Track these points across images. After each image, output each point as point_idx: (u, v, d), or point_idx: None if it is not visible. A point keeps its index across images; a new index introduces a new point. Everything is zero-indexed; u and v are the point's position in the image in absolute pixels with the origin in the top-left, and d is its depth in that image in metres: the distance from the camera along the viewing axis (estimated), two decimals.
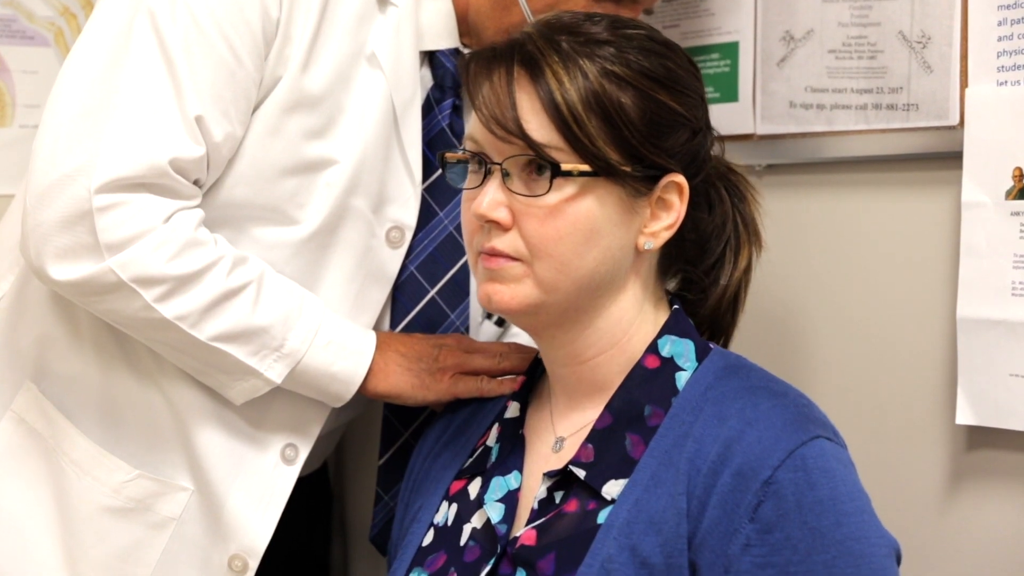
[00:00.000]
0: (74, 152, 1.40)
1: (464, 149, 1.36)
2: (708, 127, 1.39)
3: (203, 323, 1.44)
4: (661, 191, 1.32)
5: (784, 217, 1.80)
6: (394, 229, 1.59)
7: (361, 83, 1.54)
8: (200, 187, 1.46)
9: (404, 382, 1.53)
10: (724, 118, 1.82)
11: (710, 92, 1.85)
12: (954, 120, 1.61)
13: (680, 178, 1.32)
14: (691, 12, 1.88)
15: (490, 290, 1.31)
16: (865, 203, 1.73)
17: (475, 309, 1.66)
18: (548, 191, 1.27)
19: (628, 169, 1.28)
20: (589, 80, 1.27)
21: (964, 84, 1.60)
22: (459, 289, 1.63)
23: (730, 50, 1.84)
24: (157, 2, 1.42)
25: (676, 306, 1.38)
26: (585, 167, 1.27)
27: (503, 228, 1.29)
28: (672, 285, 1.46)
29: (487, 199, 1.29)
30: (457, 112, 1.65)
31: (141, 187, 1.40)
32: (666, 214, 1.33)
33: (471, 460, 1.46)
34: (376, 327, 1.60)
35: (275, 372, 1.49)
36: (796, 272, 1.79)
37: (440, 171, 1.56)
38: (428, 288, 1.62)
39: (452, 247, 1.63)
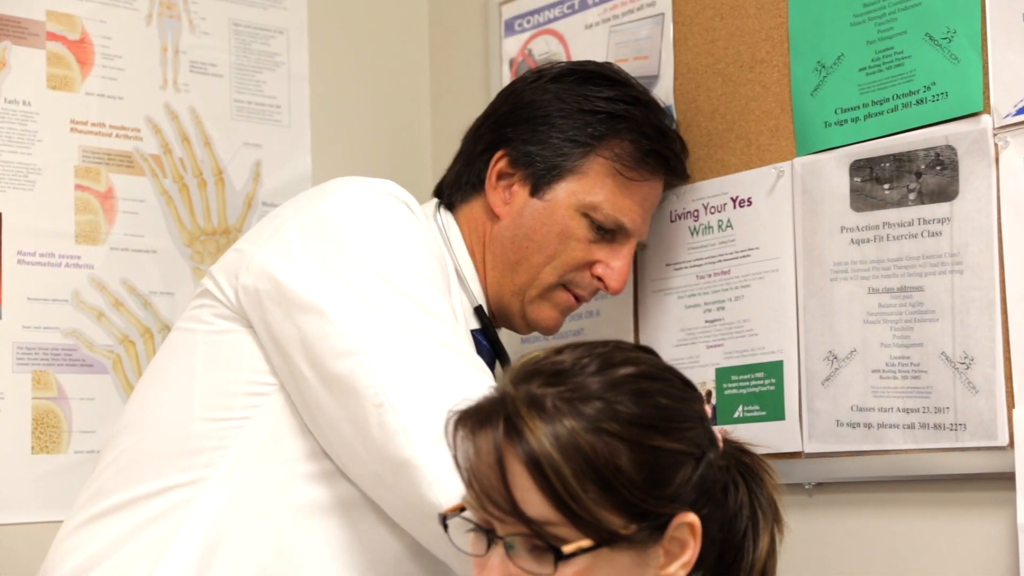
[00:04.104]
0: (445, 401, 1.39)
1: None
2: (711, 441, 1.31)
3: None
4: (673, 531, 1.24)
5: (835, 537, 1.78)
6: None
7: (470, 339, 1.67)
8: None
9: None
10: (771, 436, 1.83)
11: (755, 410, 1.87)
12: (1003, 441, 1.61)
13: (690, 517, 1.24)
14: (735, 332, 1.91)
15: None
16: (918, 524, 1.71)
17: None
18: (554, 570, 1.20)
19: (633, 529, 1.21)
20: (579, 444, 1.19)
21: (1011, 404, 1.61)
22: None
23: (774, 369, 1.86)
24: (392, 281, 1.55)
25: None
26: (587, 542, 1.20)
27: None
28: None
29: (495, 575, 1.23)
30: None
31: None
32: (681, 551, 1.25)
33: None
34: None
35: None
36: None
37: None
38: None
39: None
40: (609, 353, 1.27)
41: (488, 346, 1.79)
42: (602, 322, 2.10)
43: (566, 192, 1.76)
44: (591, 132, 1.77)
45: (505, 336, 2.26)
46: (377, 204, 1.61)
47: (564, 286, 1.80)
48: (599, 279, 1.79)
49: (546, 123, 1.78)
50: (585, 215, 1.76)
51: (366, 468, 1.53)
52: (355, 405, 1.50)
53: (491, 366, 1.78)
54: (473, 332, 1.75)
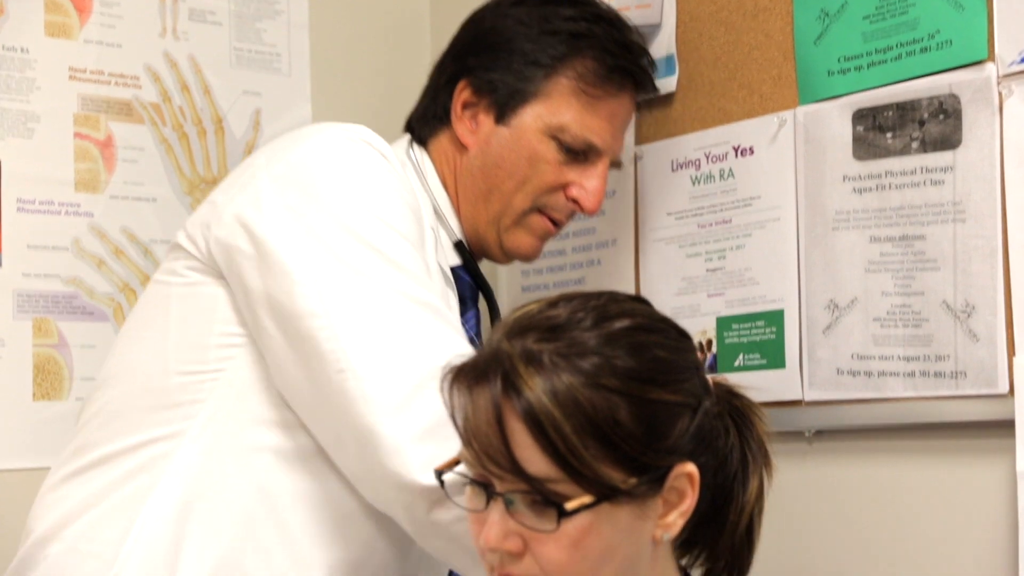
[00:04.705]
0: (410, 366, 1.44)
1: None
2: (706, 390, 1.31)
3: None
4: (672, 482, 1.25)
5: (834, 484, 1.79)
6: None
7: (447, 295, 1.65)
8: None
9: None
10: (771, 384, 1.83)
11: (756, 359, 1.88)
12: (1003, 389, 1.62)
13: (689, 467, 1.24)
14: (735, 281, 1.91)
15: None
16: (918, 471, 1.72)
17: None
18: (557, 527, 1.20)
19: (634, 483, 1.21)
20: (578, 399, 1.19)
21: (1012, 352, 1.61)
22: None
23: (775, 318, 1.86)
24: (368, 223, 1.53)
25: None
26: (589, 498, 1.20)
27: (516, 554, 1.24)
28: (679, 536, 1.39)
29: (495, 531, 1.23)
30: (478, 323, 1.76)
31: None
32: (679, 501, 1.26)
33: None
34: None
35: None
36: (845, 542, 1.77)
37: None
38: None
39: None
40: (604, 306, 1.27)
41: (470, 280, 1.78)
42: (602, 271, 2.10)
43: (532, 116, 1.74)
44: (552, 53, 1.74)
45: (504, 287, 2.26)
46: (350, 152, 1.59)
47: (539, 211, 1.77)
48: (574, 201, 1.77)
49: (507, 48, 1.75)
50: (553, 137, 1.74)
51: (328, 430, 1.52)
52: (318, 368, 1.48)
53: (473, 300, 1.77)
54: (454, 269, 1.74)
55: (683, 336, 1.32)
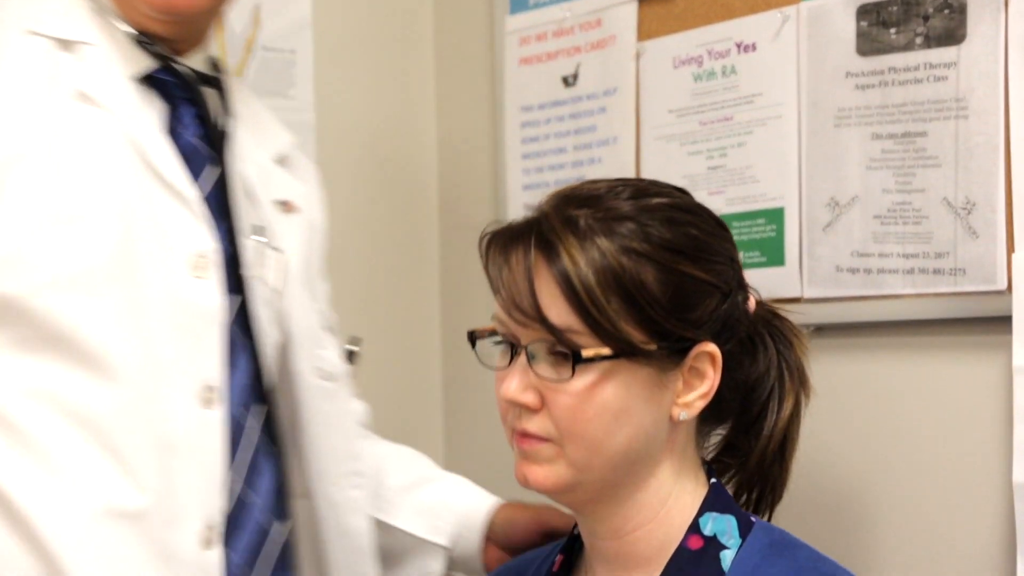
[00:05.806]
0: None
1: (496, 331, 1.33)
2: (740, 286, 1.36)
3: None
4: (692, 360, 1.29)
5: (833, 381, 1.80)
6: (197, 258, 1.45)
7: (76, 124, 1.43)
8: None
9: None
10: (771, 282, 1.84)
11: (756, 256, 1.88)
12: (1002, 285, 1.62)
13: (711, 347, 1.29)
14: (736, 179, 1.91)
15: (525, 470, 1.30)
16: (915, 367, 1.73)
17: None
18: (572, 376, 1.25)
19: (653, 347, 1.25)
20: (607, 259, 1.24)
21: (1011, 249, 1.62)
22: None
23: (775, 215, 1.86)
24: None
25: (714, 479, 1.36)
26: (606, 351, 1.24)
27: (533, 409, 1.28)
28: (712, 449, 1.43)
29: (514, 383, 1.28)
30: (202, 121, 1.54)
31: None
32: (699, 382, 1.30)
33: None
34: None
35: None
36: (844, 437, 1.79)
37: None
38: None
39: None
40: (645, 185, 1.34)
41: (173, 79, 1.53)
42: (603, 169, 2.09)
43: None
44: None
45: (507, 186, 2.25)
46: None
47: None
48: None
49: None
50: None
51: None
52: None
53: (189, 99, 1.53)
54: (152, 75, 1.50)
55: (721, 226, 1.37)
